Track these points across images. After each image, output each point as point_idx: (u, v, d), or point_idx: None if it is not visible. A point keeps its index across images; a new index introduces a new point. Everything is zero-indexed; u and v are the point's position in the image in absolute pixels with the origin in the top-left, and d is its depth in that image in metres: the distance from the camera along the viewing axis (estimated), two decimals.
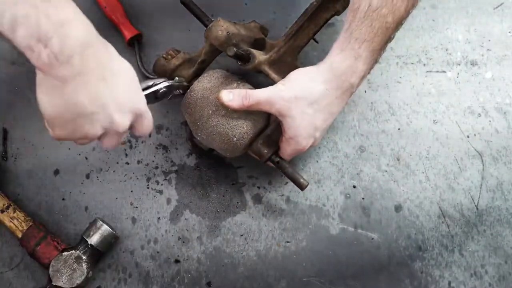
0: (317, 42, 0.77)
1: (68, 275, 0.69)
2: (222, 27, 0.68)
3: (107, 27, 0.83)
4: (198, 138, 0.70)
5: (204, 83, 0.69)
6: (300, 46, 0.73)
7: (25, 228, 0.71)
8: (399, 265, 0.75)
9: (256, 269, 0.75)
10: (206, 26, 0.71)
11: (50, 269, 0.69)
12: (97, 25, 0.84)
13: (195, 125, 0.69)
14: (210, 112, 0.67)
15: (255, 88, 0.69)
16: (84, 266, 0.70)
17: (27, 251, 0.71)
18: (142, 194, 0.77)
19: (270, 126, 0.70)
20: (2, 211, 0.72)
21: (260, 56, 0.69)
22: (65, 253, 0.70)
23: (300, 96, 0.64)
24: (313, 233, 0.76)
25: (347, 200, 0.77)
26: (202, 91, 0.69)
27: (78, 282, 0.69)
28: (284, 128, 0.67)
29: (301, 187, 0.69)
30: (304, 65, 0.69)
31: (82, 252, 0.70)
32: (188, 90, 0.70)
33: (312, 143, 0.68)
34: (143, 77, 0.81)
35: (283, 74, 0.68)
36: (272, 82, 0.68)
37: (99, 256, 0.72)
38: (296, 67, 0.70)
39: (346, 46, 0.63)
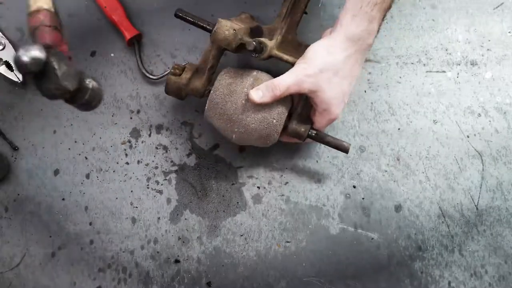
0: (306, 13, 0.77)
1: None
2: (227, 27, 0.68)
3: (107, 27, 0.83)
4: (234, 137, 0.70)
5: (225, 80, 0.70)
6: (296, 21, 0.74)
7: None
8: (399, 265, 0.75)
9: (256, 269, 0.75)
10: (208, 30, 0.71)
11: None
12: (97, 25, 0.84)
13: (230, 122, 0.69)
14: (243, 102, 0.68)
15: (268, 73, 0.72)
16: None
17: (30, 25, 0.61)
18: (142, 194, 0.77)
19: (296, 105, 0.71)
20: None
21: (269, 42, 0.70)
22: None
23: (324, 69, 0.65)
24: (313, 233, 0.76)
25: (347, 200, 0.77)
26: (227, 87, 0.69)
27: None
28: (315, 102, 0.68)
29: (346, 150, 0.71)
30: (303, 37, 0.72)
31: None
32: (211, 92, 0.70)
33: (342, 108, 0.69)
34: (143, 77, 0.81)
35: (292, 52, 0.70)
36: (283, 65, 0.69)
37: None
38: (298, 42, 0.72)
39: (358, 12, 0.63)
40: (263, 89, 0.67)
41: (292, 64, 0.68)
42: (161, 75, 0.80)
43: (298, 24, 0.74)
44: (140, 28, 0.83)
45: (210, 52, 0.71)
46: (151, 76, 0.80)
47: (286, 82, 0.66)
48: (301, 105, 0.71)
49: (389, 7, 0.65)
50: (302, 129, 0.70)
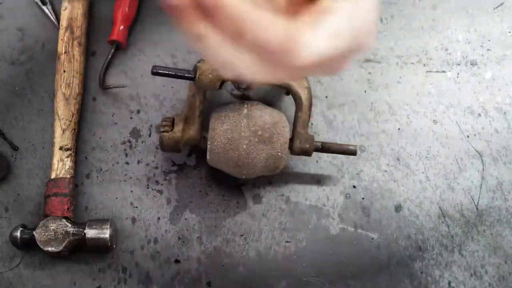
0: None
1: (49, 237, 0.70)
2: (208, 70, 0.68)
3: (107, 27, 0.82)
4: (244, 177, 0.71)
5: (219, 127, 0.69)
6: None
7: (60, 176, 0.74)
8: (399, 265, 0.75)
9: (256, 269, 0.75)
10: (190, 79, 0.69)
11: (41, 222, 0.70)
12: (97, 25, 0.84)
13: (236, 167, 0.69)
14: (245, 147, 0.67)
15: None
16: (64, 243, 0.70)
17: (45, 193, 0.73)
18: (142, 194, 0.77)
19: (295, 125, 0.70)
20: (61, 148, 0.75)
21: None
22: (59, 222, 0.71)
23: None
24: (313, 233, 0.76)
25: (347, 200, 0.77)
26: (223, 135, 0.68)
27: (50, 248, 0.70)
28: None
29: (354, 153, 0.72)
30: None
31: (73, 232, 0.70)
32: (209, 144, 0.69)
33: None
34: (143, 77, 0.81)
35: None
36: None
37: (82, 244, 0.72)
38: None
39: None
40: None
41: (277, 86, 0.71)
42: (114, 86, 0.80)
43: None
44: (139, 29, 0.83)
45: (194, 98, 0.70)
46: (104, 85, 0.80)
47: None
48: (299, 124, 0.70)
49: None
50: (307, 146, 0.70)
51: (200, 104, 0.70)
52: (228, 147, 0.68)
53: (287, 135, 0.69)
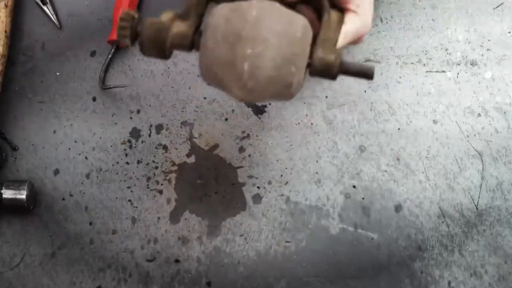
0: None
1: None
2: None
3: (107, 27, 0.82)
4: (246, 68, 0.47)
5: (223, 8, 0.50)
6: None
7: None
8: (399, 265, 0.75)
9: (256, 269, 0.75)
10: None
11: None
12: (97, 25, 0.84)
13: (238, 41, 0.47)
14: (254, 13, 0.48)
15: None
16: None
17: None
18: (142, 194, 0.77)
19: (315, 30, 0.53)
20: None
21: None
22: None
23: None
24: (313, 233, 0.76)
25: (347, 200, 0.77)
26: (228, 8, 0.49)
27: None
28: (347, 0, 0.54)
29: (371, 75, 0.52)
30: None
31: None
32: (208, 16, 0.50)
33: (371, 18, 0.57)
34: (143, 77, 0.81)
35: None
36: None
37: None
38: None
39: None
40: None
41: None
42: (114, 86, 0.80)
43: None
44: None
45: None
46: (104, 85, 0.80)
47: None
48: (323, 31, 0.52)
49: None
50: (332, 57, 0.50)
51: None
52: (232, 15, 0.48)
53: (310, 25, 0.51)
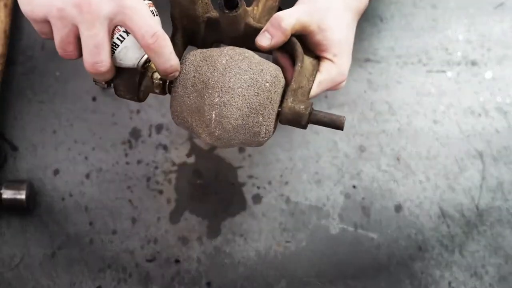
0: None
1: None
2: None
3: None
4: (214, 117, 0.49)
5: (196, 55, 0.51)
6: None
7: None
8: (399, 265, 0.75)
9: (256, 269, 0.75)
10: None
11: None
12: None
13: (206, 90, 0.48)
14: (224, 62, 0.49)
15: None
16: None
17: None
18: (142, 194, 0.77)
19: (288, 79, 0.53)
20: None
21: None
22: None
23: (331, 7, 0.54)
24: (313, 233, 0.76)
25: (347, 200, 0.77)
26: (200, 56, 0.51)
27: None
28: (323, 45, 0.54)
29: (340, 127, 0.51)
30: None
31: None
32: (181, 64, 0.50)
33: (349, 66, 0.57)
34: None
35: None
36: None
37: None
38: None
39: None
40: (269, 28, 0.51)
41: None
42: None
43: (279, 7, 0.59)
44: None
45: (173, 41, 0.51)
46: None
47: (294, 12, 0.52)
48: (295, 80, 0.51)
49: None
50: (302, 106, 0.49)
51: (177, 51, 0.52)
52: (203, 64, 0.50)
53: (282, 74, 0.52)
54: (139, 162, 0.78)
